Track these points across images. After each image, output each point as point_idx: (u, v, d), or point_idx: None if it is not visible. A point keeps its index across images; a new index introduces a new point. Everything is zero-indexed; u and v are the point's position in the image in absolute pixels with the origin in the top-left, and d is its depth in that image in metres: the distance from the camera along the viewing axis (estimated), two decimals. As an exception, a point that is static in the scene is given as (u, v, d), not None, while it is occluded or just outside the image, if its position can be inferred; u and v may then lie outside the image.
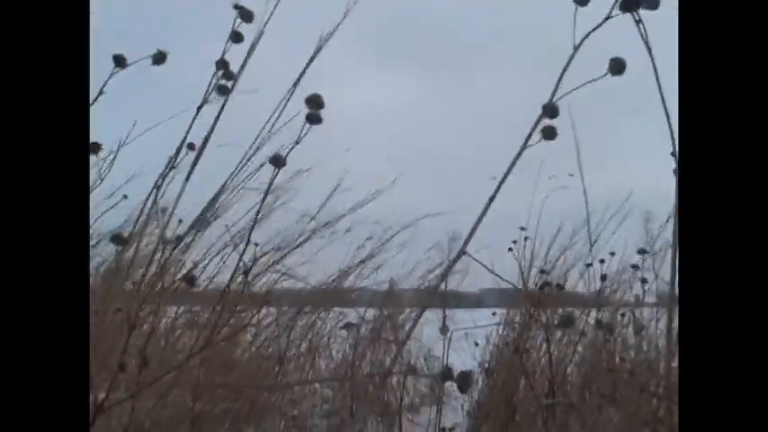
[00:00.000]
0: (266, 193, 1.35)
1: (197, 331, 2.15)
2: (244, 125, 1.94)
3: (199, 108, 1.62)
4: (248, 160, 1.68)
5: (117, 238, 1.38)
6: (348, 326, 3.52)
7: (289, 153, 1.35)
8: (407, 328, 3.36)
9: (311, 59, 1.61)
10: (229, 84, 1.56)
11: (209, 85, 1.58)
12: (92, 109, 1.94)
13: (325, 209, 3.02)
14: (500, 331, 3.17)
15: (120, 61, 1.87)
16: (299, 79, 1.61)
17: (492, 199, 1.35)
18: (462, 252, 1.42)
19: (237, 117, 1.87)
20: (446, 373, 1.21)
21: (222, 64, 1.55)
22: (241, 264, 1.35)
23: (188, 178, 1.54)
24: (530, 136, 1.29)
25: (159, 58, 1.85)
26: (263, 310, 3.08)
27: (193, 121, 1.60)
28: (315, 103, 1.35)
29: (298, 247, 2.85)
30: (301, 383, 2.93)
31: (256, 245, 1.49)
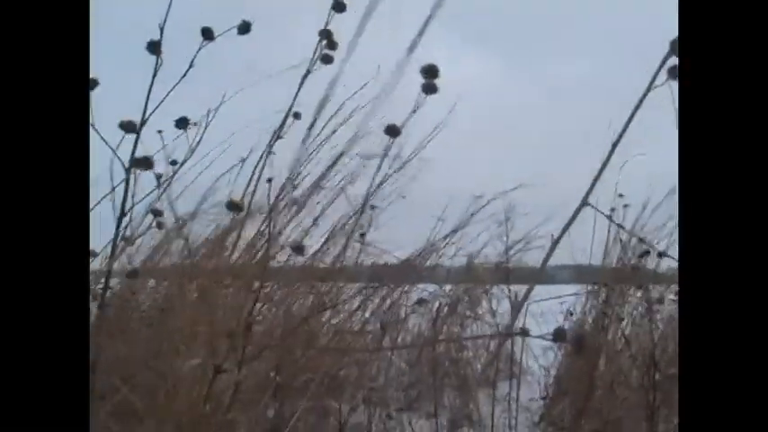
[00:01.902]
0: (381, 162, 1.33)
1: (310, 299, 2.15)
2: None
3: (304, 77, 1.61)
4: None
5: (232, 205, 1.38)
6: (421, 301, 3.51)
7: (405, 123, 1.33)
8: (483, 303, 3.33)
9: (420, 32, 1.56)
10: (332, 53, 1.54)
11: (314, 54, 1.56)
12: (182, 82, 1.96)
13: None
14: (583, 307, 3.10)
15: (207, 33, 1.87)
16: (411, 49, 1.57)
17: (605, 164, 1.29)
18: (573, 218, 1.37)
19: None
20: (560, 334, 1.17)
21: (326, 33, 1.53)
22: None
23: (304, 143, 1.52)
24: (656, 75, 1.21)
25: (244, 28, 1.85)
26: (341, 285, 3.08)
27: (299, 89, 1.59)
28: (430, 72, 1.33)
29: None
30: (403, 347, 2.93)
31: (373, 207, 1.48)
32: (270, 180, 1.78)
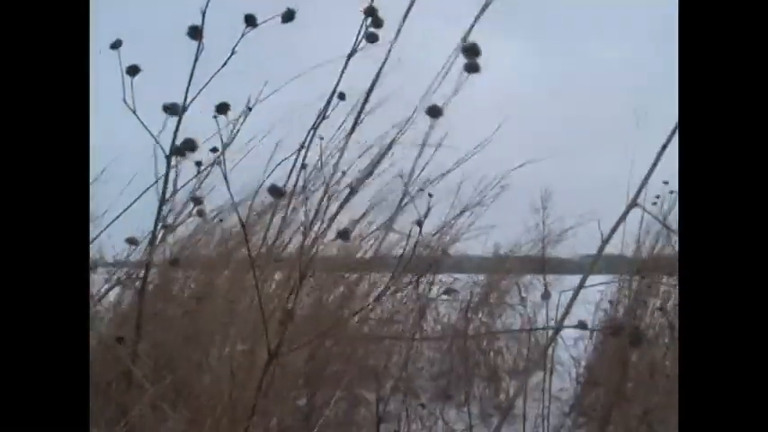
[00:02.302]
0: (423, 144, 1.31)
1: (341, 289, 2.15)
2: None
3: (349, 56, 1.58)
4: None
5: (274, 190, 1.36)
6: (449, 291, 3.49)
7: (446, 104, 1.31)
8: (511, 292, 3.31)
9: (475, 21, 1.54)
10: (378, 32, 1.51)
11: (358, 35, 1.54)
12: (223, 70, 1.95)
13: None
14: (611, 297, 3.07)
15: (250, 20, 1.85)
16: (466, 36, 1.55)
17: (664, 148, 1.26)
18: (633, 204, 1.35)
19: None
20: (616, 327, 1.15)
21: (370, 11, 1.50)
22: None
23: (356, 124, 1.50)
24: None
25: (288, 16, 1.83)
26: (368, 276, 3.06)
27: (343, 70, 1.57)
28: (472, 51, 1.30)
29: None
30: (437, 338, 2.92)
31: (431, 196, 1.45)
32: (304, 166, 1.76)
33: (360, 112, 1.50)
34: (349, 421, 2.63)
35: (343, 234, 1.43)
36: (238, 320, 2.11)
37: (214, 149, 1.99)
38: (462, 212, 3.17)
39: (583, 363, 2.99)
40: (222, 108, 1.96)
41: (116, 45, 1.87)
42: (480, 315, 3.34)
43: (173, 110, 1.63)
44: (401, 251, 3.13)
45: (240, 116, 1.94)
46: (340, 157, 1.52)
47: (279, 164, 1.84)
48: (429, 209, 1.30)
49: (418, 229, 1.48)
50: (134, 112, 1.84)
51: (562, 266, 4.15)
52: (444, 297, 3.29)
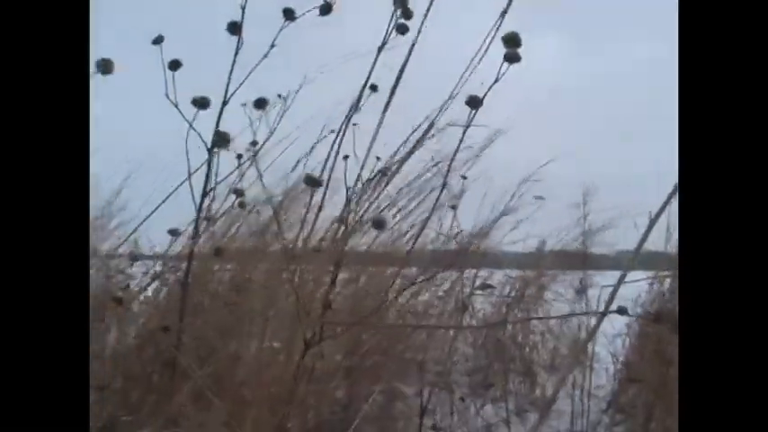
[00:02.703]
0: (464, 132, 1.30)
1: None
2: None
3: (380, 48, 1.58)
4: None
5: (310, 179, 1.36)
6: (485, 286, 3.47)
7: (485, 95, 1.30)
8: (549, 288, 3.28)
9: (505, 12, 1.52)
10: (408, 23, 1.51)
11: (389, 26, 1.54)
12: (264, 62, 1.96)
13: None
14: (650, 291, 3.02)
15: (289, 14, 1.86)
16: (497, 26, 1.53)
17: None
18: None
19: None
20: (657, 314, 1.13)
21: (401, 2, 1.50)
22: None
23: (385, 109, 1.49)
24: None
25: (326, 9, 1.83)
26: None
27: (375, 61, 1.57)
28: (513, 41, 1.29)
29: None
30: (482, 327, 2.90)
31: (464, 177, 1.45)
32: (346, 157, 1.76)
33: (389, 102, 1.49)
34: (386, 415, 2.63)
35: (378, 223, 1.43)
36: (276, 312, 2.12)
37: (253, 143, 2.00)
38: (502, 214, 3.15)
39: (621, 359, 2.95)
40: (260, 103, 1.97)
41: (158, 41, 1.89)
42: (516, 310, 3.31)
43: (202, 103, 1.64)
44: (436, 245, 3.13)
45: (278, 109, 1.95)
46: (372, 143, 1.50)
47: (309, 152, 1.84)
48: (463, 191, 1.29)
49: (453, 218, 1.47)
50: (176, 106, 1.86)
51: (598, 262, 4.10)
52: (480, 292, 3.27)
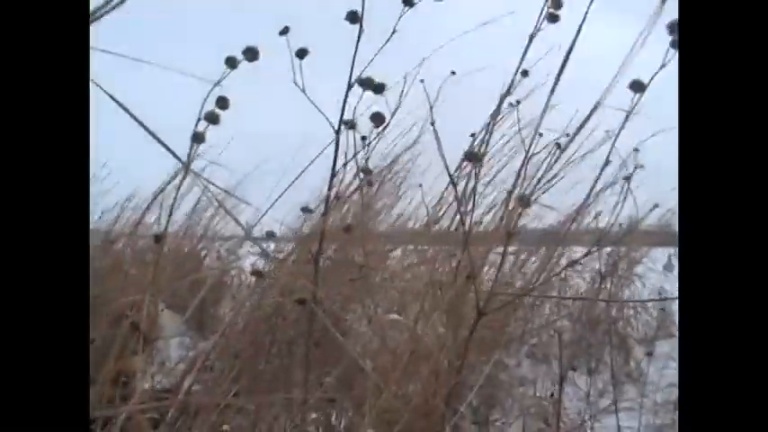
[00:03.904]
0: (626, 118, 1.34)
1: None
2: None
3: (531, 37, 1.62)
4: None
5: (471, 155, 1.41)
6: (572, 263, 3.50)
7: (650, 81, 1.34)
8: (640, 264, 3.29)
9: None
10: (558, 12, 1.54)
11: (540, 16, 1.57)
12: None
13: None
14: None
15: (409, 3, 1.93)
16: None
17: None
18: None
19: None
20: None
21: (554, -5, 1.53)
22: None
23: (552, 91, 1.52)
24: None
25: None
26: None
27: (528, 47, 1.61)
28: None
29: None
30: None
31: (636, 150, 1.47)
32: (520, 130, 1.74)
33: (556, 84, 1.52)
34: (489, 383, 2.69)
35: (523, 201, 1.48)
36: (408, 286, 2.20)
37: (375, 121, 2.08)
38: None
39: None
40: (378, 89, 2.05)
41: (284, 32, 1.99)
42: (609, 285, 3.34)
43: (374, 87, 1.71)
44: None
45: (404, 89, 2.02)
46: (541, 121, 1.54)
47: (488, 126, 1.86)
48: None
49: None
50: (303, 92, 1.96)
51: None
52: (571, 268, 3.30)
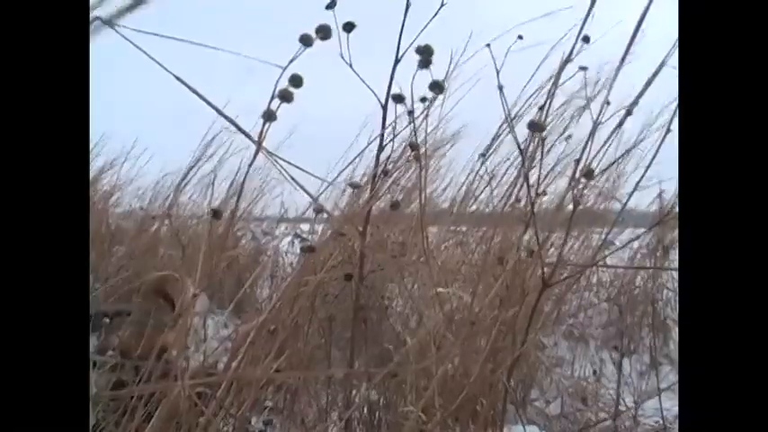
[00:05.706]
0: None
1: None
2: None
3: (582, 26, 1.56)
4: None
5: (534, 125, 1.33)
6: (635, 238, 3.41)
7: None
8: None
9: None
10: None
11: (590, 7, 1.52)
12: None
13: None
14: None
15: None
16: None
17: None
18: None
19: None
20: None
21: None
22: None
23: (618, 74, 1.47)
24: None
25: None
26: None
27: (579, 34, 1.54)
28: None
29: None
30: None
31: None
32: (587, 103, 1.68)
33: (627, 50, 1.46)
34: (521, 363, 2.64)
35: (588, 174, 1.41)
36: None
37: (423, 99, 2.02)
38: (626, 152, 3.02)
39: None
40: (425, 62, 1.99)
41: (331, 5, 1.93)
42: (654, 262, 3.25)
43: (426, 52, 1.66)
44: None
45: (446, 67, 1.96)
46: (609, 90, 1.47)
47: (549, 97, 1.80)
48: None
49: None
50: (350, 66, 1.90)
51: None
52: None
